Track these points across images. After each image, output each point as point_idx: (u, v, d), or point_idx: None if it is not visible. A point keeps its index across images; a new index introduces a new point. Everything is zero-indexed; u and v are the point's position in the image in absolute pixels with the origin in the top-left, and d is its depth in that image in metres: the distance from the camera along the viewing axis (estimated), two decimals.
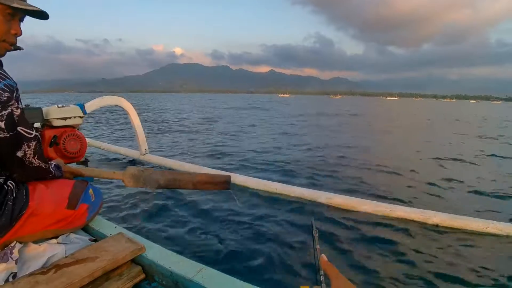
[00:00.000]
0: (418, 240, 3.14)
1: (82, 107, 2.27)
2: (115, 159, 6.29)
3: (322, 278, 0.60)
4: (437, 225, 3.43)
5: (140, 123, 5.36)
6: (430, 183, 5.38)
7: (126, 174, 1.75)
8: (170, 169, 5.33)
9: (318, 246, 0.68)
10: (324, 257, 0.65)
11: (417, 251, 2.92)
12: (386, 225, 3.44)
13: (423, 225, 3.45)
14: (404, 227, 3.40)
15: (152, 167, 5.30)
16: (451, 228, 3.39)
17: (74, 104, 2.28)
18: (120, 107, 5.07)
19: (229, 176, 1.84)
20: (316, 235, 0.71)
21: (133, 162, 5.83)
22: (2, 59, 1.21)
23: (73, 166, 1.78)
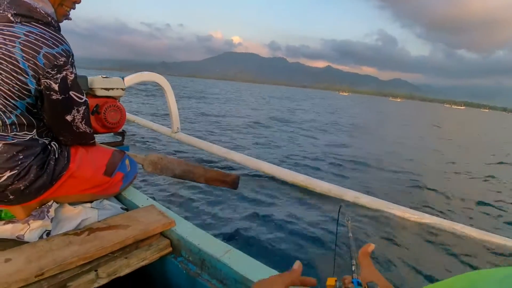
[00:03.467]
0: (440, 249, 3.03)
1: (123, 80, 2.31)
2: (147, 133, 6.44)
3: (354, 268, 0.57)
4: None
5: (175, 101, 5.41)
6: None
7: (147, 160, 1.82)
8: (201, 148, 5.40)
9: (351, 235, 0.65)
10: (368, 248, 0.62)
11: (436, 260, 2.82)
12: (412, 231, 3.32)
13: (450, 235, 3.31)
14: (430, 234, 3.27)
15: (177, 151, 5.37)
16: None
17: (117, 77, 2.32)
18: (157, 83, 5.14)
19: (238, 177, 1.93)
20: (348, 222, 0.67)
21: (164, 139, 5.95)
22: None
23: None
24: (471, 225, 3.41)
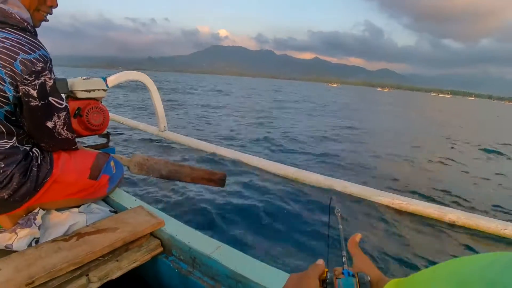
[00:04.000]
0: (430, 236, 3.09)
1: (105, 80, 2.27)
2: (133, 134, 6.37)
3: (344, 259, 0.59)
4: (453, 223, 3.34)
5: (160, 100, 5.38)
6: None
7: (132, 162, 1.81)
8: (188, 146, 5.40)
9: (341, 226, 0.66)
10: (356, 237, 0.63)
11: (426, 247, 2.88)
12: (400, 218, 3.39)
13: (438, 222, 3.38)
14: (419, 222, 3.34)
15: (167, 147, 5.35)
16: (467, 227, 3.30)
17: (97, 77, 2.29)
18: (141, 82, 5.09)
19: (225, 175, 1.94)
20: (338, 214, 0.68)
21: (151, 138, 5.90)
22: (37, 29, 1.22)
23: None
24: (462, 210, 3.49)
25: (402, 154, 7.00)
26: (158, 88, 5.38)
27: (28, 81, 1.08)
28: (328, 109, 18.56)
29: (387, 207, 3.60)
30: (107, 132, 2.21)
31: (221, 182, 1.90)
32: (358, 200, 3.71)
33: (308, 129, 9.58)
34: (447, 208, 3.54)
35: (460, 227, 3.29)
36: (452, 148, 8.61)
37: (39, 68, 1.09)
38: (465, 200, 4.26)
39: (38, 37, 1.18)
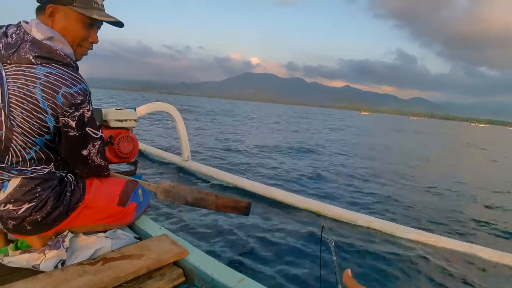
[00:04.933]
0: (460, 272, 2.94)
1: (134, 110, 2.38)
2: (158, 162, 6.51)
3: None
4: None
5: (185, 130, 5.51)
6: None
7: (159, 188, 1.85)
8: (211, 176, 5.43)
9: (335, 258, 0.65)
10: (348, 272, 0.62)
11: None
12: (427, 254, 3.24)
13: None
14: (448, 259, 3.18)
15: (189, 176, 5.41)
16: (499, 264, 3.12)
17: (128, 108, 2.40)
18: (167, 113, 5.26)
19: (250, 203, 1.96)
20: (332, 245, 0.67)
21: (175, 167, 5.99)
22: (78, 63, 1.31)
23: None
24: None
25: None
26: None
27: (68, 113, 1.15)
28: None
29: (414, 242, 3.46)
30: (136, 159, 2.29)
31: (245, 210, 1.90)
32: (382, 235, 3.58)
33: None
34: (477, 246, 3.37)
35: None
36: None
37: (79, 101, 1.17)
38: None
39: (80, 68, 1.27)
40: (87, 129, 1.24)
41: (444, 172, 9.27)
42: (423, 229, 3.84)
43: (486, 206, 5.81)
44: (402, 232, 3.63)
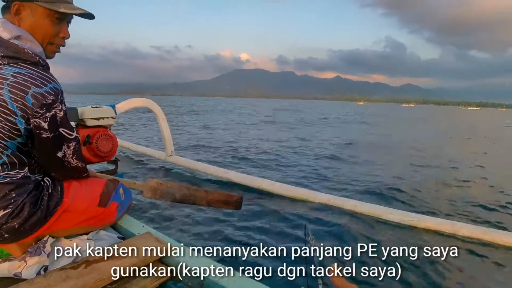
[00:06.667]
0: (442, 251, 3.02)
1: (113, 108, 2.33)
2: (140, 159, 6.43)
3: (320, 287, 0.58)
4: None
5: (167, 125, 5.45)
6: None
7: (146, 186, 1.83)
8: (195, 169, 5.42)
9: (317, 254, 0.65)
10: (334, 266, 0.62)
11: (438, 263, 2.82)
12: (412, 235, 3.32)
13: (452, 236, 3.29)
14: (432, 238, 3.26)
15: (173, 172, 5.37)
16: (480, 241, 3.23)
17: (106, 105, 2.34)
18: (148, 109, 5.18)
19: (241, 197, 1.93)
20: (312, 241, 0.67)
21: (160, 162, 5.94)
22: (49, 61, 1.26)
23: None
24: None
25: None
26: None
27: (39, 114, 1.11)
28: None
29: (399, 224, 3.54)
30: (116, 158, 2.24)
31: (237, 204, 1.88)
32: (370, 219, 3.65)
33: None
34: (459, 223, 3.47)
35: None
36: None
37: (50, 101, 1.13)
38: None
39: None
40: (60, 130, 1.20)
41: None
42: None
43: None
44: (387, 214, 3.71)
